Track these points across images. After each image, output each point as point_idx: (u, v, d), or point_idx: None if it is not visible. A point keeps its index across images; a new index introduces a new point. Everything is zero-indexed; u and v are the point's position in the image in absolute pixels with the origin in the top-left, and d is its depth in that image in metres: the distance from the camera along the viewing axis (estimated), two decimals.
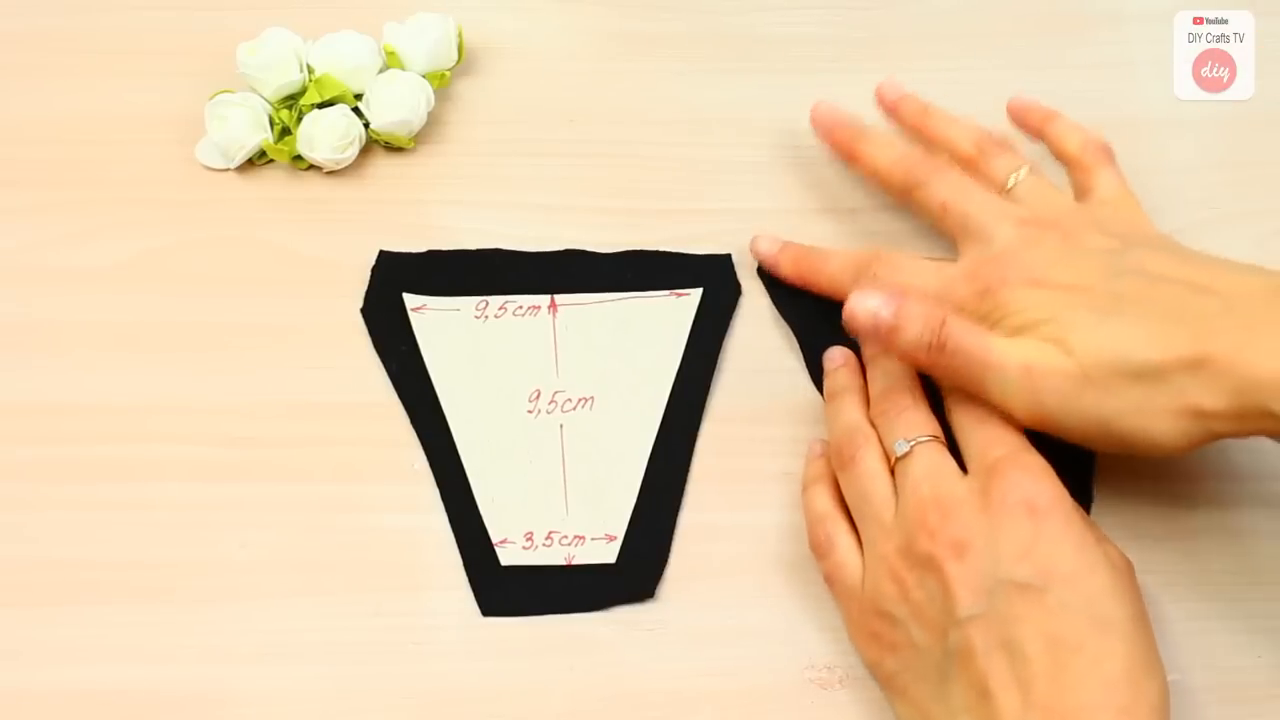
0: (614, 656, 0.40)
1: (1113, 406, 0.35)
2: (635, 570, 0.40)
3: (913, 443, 0.38)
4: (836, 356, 0.43)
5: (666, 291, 0.45)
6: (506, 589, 0.40)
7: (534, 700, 0.39)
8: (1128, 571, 0.35)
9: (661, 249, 0.47)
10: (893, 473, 0.38)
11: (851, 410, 0.41)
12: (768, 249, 0.46)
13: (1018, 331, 0.37)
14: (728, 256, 0.47)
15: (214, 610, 0.40)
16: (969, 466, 0.37)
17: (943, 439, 0.38)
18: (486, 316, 0.44)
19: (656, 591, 0.41)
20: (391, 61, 0.49)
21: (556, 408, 0.43)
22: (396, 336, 0.45)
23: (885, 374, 0.41)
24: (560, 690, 0.39)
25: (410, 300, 0.45)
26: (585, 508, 0.42)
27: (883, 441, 0.39)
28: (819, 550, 0.39)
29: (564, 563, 0.41)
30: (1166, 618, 0.41)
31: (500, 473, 0.42)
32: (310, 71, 0.48)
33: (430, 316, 0.44)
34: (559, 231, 0.47)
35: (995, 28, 0.53)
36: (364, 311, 0.45)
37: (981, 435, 0.37)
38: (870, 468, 0.38)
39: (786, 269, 0.45)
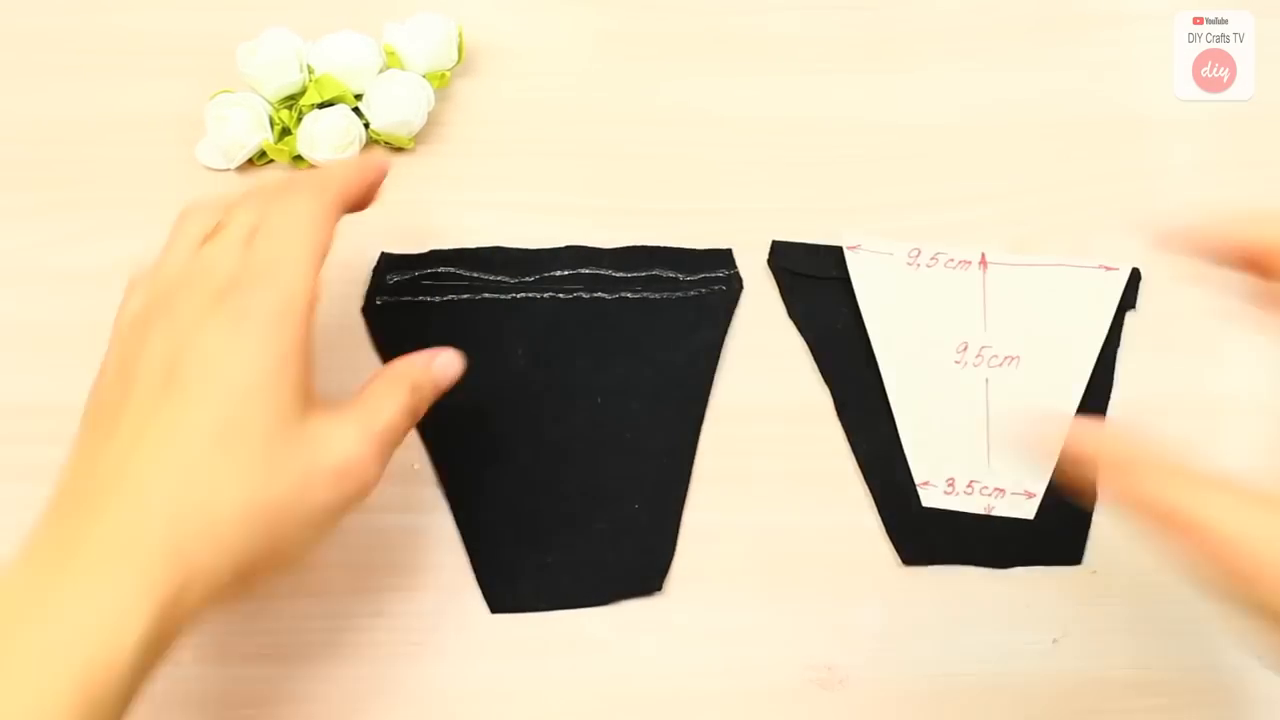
0: (614, 656, 0.40)
1: None
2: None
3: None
4: None
5: (1096, 265, 0.46)
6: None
7: (534, 700, 0.39)
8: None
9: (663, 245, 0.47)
10: None
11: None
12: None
13: None
14: (729, 251, 0.47)
15: (214, 610, 0.40)
16: None
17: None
18: (919, 265, 0.46)
19: (664, 587, 0.41)
20: (391, 61, 0.49)
21: (983, 362, 0.44)
22: (397, 336, 0.45)
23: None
24: (560, 690, 0.39)
25: (848, 238, 0.46)
26: (1007, 462, 0.43)
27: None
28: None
29: (983, 511, 0.42)
30: (1168, 618, 0.41)
31: (925, 417, 0.43)
32: (310, 71, 0.48)
33: (864, 257, 0.46)
34: (559, 231, 0.47)
35: (995, 28, 0.52)
36: (364, 311, 0.45)
37: None
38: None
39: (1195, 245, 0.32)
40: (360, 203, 0.40)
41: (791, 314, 0.46)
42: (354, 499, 0.35)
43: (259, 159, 0.48)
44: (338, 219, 0.37)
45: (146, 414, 0.33)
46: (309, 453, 0.33)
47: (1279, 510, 0.27)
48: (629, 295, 0.45)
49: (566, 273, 0.46)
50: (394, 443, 0.36)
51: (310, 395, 0.34)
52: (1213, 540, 0.27)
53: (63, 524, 0.32)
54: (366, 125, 0.48)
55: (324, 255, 0.36)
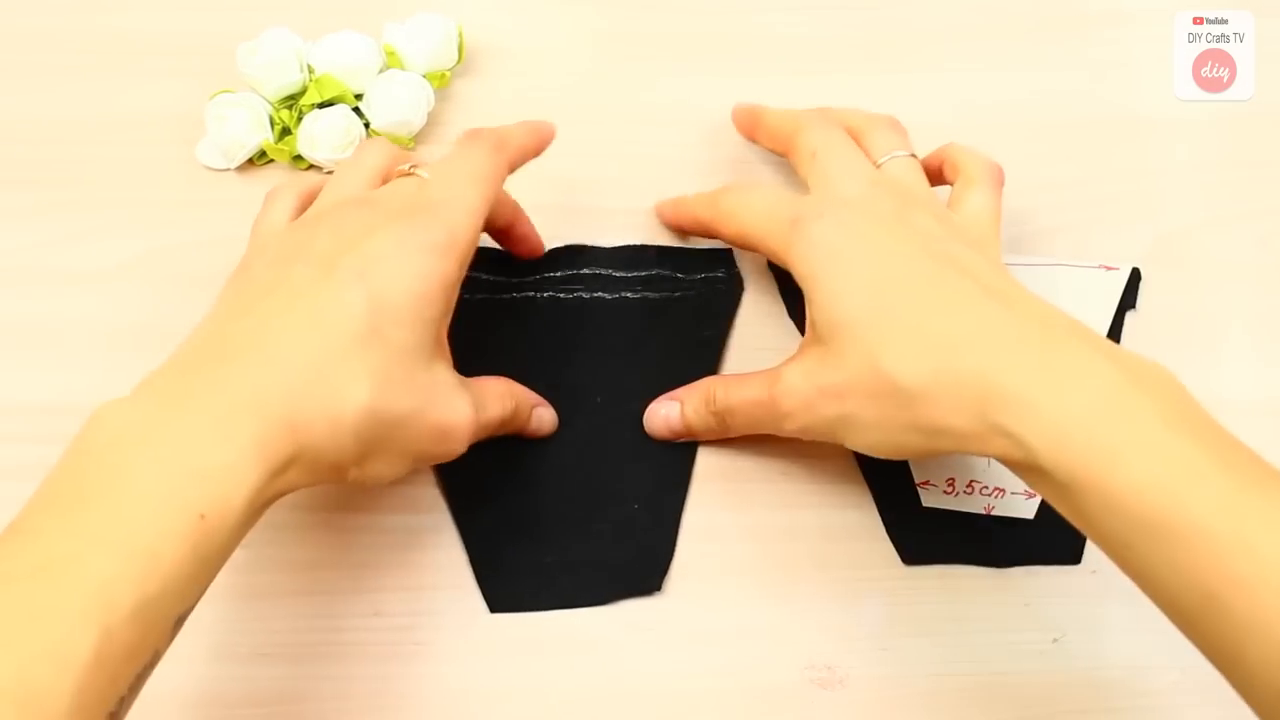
0: (614, 655, 0.40)
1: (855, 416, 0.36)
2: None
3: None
4: None
5: (1096, 265, 0.46)
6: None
7: (534, 699, 0.39)
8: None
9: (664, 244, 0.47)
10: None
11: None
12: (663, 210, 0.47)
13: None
14: (729, 251, 0.47)
15: (214, 610, 0.40)
16: None
17: None
18: None
19: (664, 587, 0.41)
20: (391, 61, 0.49)
21: None
22: None
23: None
24: (560, 689, 0.39)
25: None
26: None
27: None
28: None
29: (983, 511, 0.42)
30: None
31: None
32: (310, 71, 0.48)
33: None
34: (559, 231, 0.47)
35: (995, 28, 0.53)
36: None
37: None
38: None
39: (668, 220, 0.47)
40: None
41: (792, 314, 0.46)
42: (436, 458, 0.37)
43: (259, 159, 0.48)
44: (507, 176, 0.40)
45: (297, 292, 0.33)
46: (428, 394, 0.35)
47: (773, 193, 0.41)
48: (629, 295, 0.45)
49: (566, 273, 0.46)
50: (482, 437, 0.38)
51: (444, 343, 0.36)
52: (733, 217, 0.41)
53: (185, 373, 0.32)
54: (366, 125, 0.48)
55: (489, 206, 0.38)
